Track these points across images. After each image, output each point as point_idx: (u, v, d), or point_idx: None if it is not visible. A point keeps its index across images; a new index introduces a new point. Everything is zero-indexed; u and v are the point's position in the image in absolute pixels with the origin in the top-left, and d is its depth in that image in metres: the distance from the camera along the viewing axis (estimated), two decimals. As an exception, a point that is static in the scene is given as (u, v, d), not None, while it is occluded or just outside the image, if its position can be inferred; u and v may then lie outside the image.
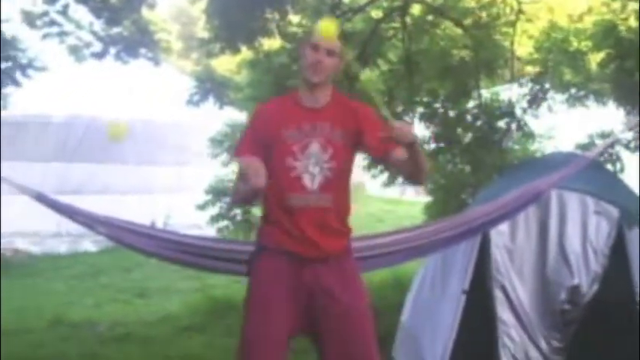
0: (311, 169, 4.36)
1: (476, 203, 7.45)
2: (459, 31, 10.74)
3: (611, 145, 9.53)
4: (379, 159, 4.63)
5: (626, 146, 10.18)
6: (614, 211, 6.91)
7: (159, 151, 17.50)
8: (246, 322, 4.43)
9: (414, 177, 4.59)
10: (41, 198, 5.31)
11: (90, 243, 15.61)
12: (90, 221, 5.41)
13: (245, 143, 4.47)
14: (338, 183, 4.46)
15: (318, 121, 4.40)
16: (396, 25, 10.90)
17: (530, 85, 10.65)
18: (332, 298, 4.38)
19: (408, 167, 4.44)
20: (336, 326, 4.38)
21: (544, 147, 11.50)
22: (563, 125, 12.77)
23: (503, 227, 6.81)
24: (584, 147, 10.10)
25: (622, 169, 9.88)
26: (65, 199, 5.67)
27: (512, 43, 10.77)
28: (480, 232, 6.41)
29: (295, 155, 4.34)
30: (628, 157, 10.48)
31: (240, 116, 12.09)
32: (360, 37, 10.33)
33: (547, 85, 10.54)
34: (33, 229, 14.49)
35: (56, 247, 15.75)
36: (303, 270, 4.36)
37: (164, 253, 5.61)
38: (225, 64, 14.58)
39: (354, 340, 4.41)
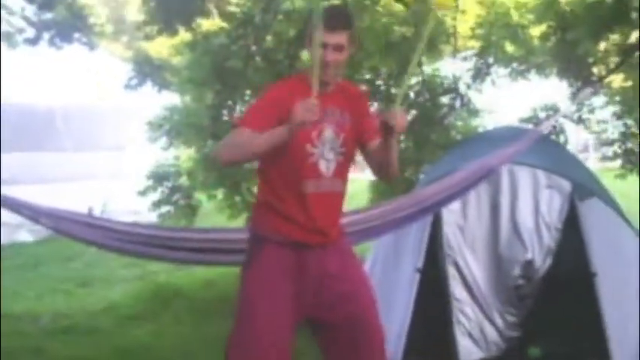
0: (326, 154, 4.27)
1: (425, 181, 7.37)
2: (400, 7, 10.62)
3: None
4: (360, 148, 4.46)
5: (570, 118, 10.18)
6: (566, 185, 6.89)
7: (96, 137, 17.23)
8: (252, 313, 4.23)
9: (383, 170, 4.49)
10: (-17, 192, 5.12)
11: (26, 233, 15.31)
12: (34, 213, 5.23)
13: (255, 115, 4.22)
14: (347, 168, 4.41)
15: (328, 106, 4.24)
16: (337, 2, 10.74)
17: (474, 59, 10.56)
18: (336, 281, 4.31)
19: (380, 159, 4.39)
20: (343, 306, 4.30)
21: (486, 122, 11.46)
22: (504, 100, 12.77)
23: (455, 205, 6.77)
24: (527, 120, 10.11)
25: (566, 141, 9.88)
26: (1, 190, 5.47)
27: (454, 19, 10.67)
28: (433, 211, 6.34)
29: (313, 141, 4.22)
30: (568, 129, 10.52)
31: (178, 99, 11.89)
32: (301, 16, 10.15)
33: (490, 60, 10.47)
34: (-32, 221, 14.16)
35: (-8, 238, 15.42)
36: (306, 258, 4.25)
37: (107, 242, 5.49)
38: (158, 47, 14.33)
39: (361, 317, 4.34)
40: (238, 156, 4.20)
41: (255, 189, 10.44)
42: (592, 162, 20.19)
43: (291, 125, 3.95)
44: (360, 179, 8.95)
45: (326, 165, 4.27)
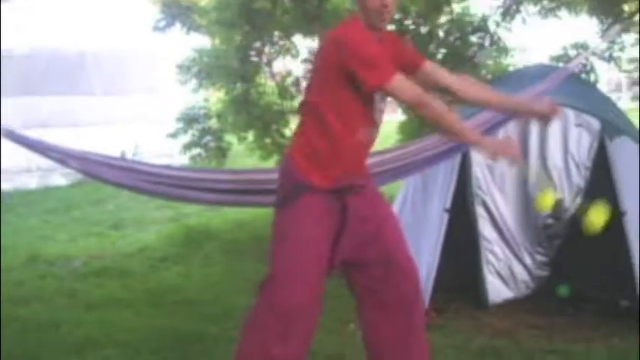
0: (378, 105, 4.25)
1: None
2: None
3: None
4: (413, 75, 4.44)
5: (601, 56, 10.05)
6: (595, 123, 6.86)
7: (126, 81, 17.23)
8: (288, 255, 4.22)
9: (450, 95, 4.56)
10: (10, 135, 5.13)
11: (60, 177, 15.43)
12: (63, 156, 5.25)
13: (387, 64, 4.11)
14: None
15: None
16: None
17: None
18: (366, 222, 4.30)
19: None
20: (373, 245, 4.32)
21: (517, 61, 11.36)
22: (535, 38, 12.64)
23: (484, 143, 6.70)
24: (558, 59, 9.98)
25: (597, 80, 9.78)
26: (32, 133, 5.50)
27: (483, -45, 10.57)
28: (461, 151, 6.31)
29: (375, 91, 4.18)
30: (601, 67, 10.40)
31: (207, 41, 11.88)
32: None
33: (521, -3, 10.36)
34: (2, 166, 14.25)
35: (27, 182, 15.55)
36: (342, 204, 4.22)
37: (138, 184, 5.51)
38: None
39: (392, 256, 4.35)
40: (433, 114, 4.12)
41: (285, 131, 10.50)
42: (624, 101, 20.06)
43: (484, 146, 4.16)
44: (390, 121, 8.91)
45: (379, 115, 4.27)
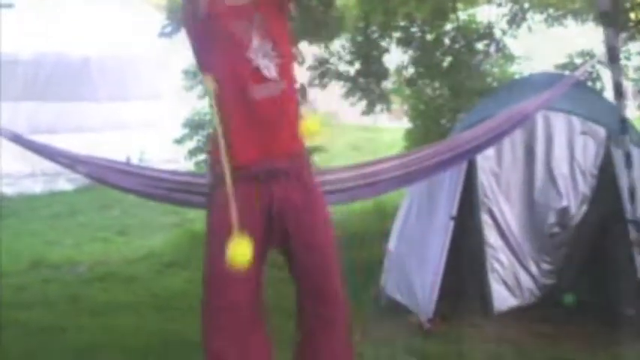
0: (262, 61, 4.10)
1: (460, 128, 7.34)
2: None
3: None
4: None
5: (606, 65, 10.03)
6: (601, 131, 6.86)
7: (131, 86, 17.18)
8: (208, 255, 4.15)
9: None
10: (17, 139, 5.13)
11: (66, 182, 15.37)
12: (70, 161, 5.24)
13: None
14: (289, 66, 4.24)
15: (251, 14, 4.12)
16: None
17: (509, 5, 10.45)
18: (298, 214, 4.17)
19: None
20: (302, 240, 4.20)
21: (522, 68, 11.36)
22: (541, 46, 12.66)
23: (490, 151, 6.73)
24: (563, 67, 9.98)
25: (603, 88, 9.77)
26: (38, 138, 5.50)
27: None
28: (467, 158, 6.30)
29: (249, 48, 4.07)
30: (607, 75, 10.38)
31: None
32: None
33: (526, 5, 10.36)
34: (6, 170, 14.22)
35: (31, 187, 15.51)
36: (270, 189, 4.10)
37: (144, 189, 5.48)
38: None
39: (318, 252, 4.23)
40: None
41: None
42: (630, 109, 19.99)
43: None
44: (396, 128, 8.92)
45: (267, 69, 4.09)
